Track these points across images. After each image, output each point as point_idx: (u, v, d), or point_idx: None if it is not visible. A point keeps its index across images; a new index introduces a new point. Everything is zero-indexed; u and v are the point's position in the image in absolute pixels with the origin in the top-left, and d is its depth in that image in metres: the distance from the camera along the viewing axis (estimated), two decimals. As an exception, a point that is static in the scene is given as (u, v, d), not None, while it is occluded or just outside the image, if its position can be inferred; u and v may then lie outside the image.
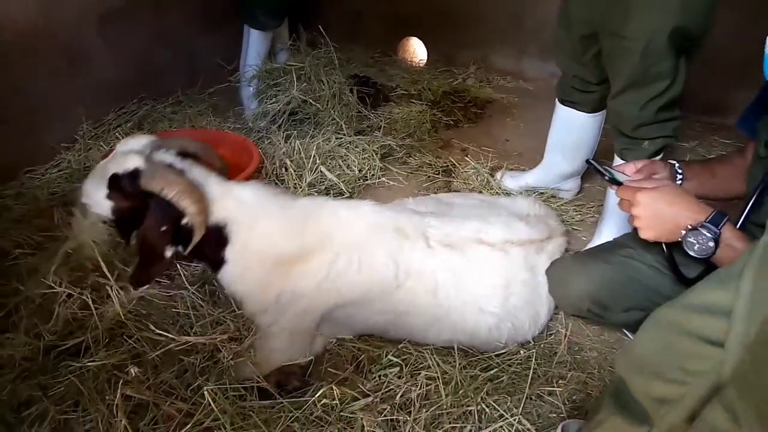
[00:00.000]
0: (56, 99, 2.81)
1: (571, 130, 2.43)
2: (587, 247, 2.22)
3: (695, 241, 1.31)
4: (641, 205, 1.35)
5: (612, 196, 2.21)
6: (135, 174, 1.63)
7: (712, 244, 1.29)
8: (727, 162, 1.64)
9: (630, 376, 0.99)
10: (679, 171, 1.66)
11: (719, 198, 1.67)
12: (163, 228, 1.63)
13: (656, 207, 1.35)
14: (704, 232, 1.30)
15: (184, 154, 1.74)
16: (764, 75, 1.10)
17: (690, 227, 1.32)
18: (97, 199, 1.71)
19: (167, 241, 1.65)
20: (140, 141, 1.72)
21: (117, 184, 1.66)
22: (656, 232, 1.37)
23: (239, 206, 1.73)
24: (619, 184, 1.50)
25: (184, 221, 1.65)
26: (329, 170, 2.70)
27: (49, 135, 2.81)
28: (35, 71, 2.69)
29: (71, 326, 1.75)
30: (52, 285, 1.80)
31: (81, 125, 2.93)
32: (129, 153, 1.67)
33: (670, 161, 1.68)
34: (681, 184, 1.64)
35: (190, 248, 1.66)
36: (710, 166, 1.71)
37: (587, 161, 1.70)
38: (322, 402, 1.60)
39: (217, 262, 1.74)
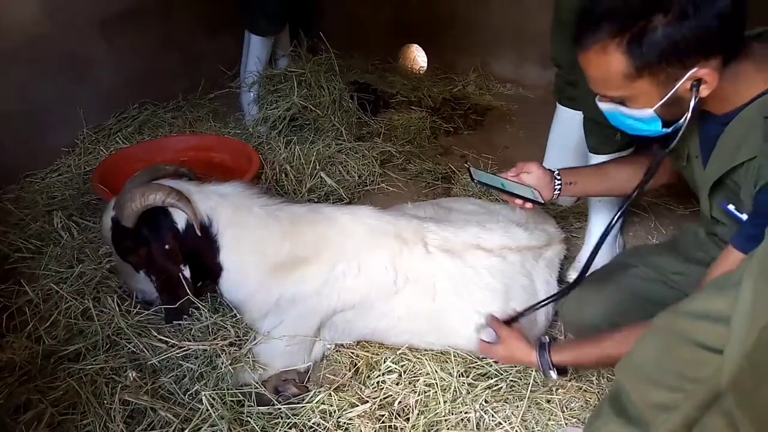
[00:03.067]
0: (57, 103, 2.82)
1: (571, 129, 2.44)
2: (579, 254, 2.23)
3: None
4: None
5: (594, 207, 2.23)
6: (116, 223, 1.70)
7: (552, 373, 1.49)
8: (629, 162, 1.63)
9: (628, 381, 0.99)
10: (558, 177, 1.74)
11: (622, 195, 1.75)
12: (167, 246, 1.68)
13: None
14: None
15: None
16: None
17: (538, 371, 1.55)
18: (138, 283, 1.82)
19: (178, 260, 1.70)
20: (108, 206, 1.79)
21: (120, 247, 1.74)
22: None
23: (221, 200, 1.75)
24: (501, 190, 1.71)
25: (179, 226, 1.69)
26: (329, 176, 2.71)
27: (49, 139, 2.82)
28: (37, 75, 2.70)
29: (72, 331, 1.75)
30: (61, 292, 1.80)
31: (81, 130, 2.94)
32: (103, 218, 1.76)
33: (550, 168, 1.76)
34: (560, 188, 1.74)
35: (198, 228, 1.67)
36: (603, 168, 1.80)
37: (469, 170, 1.76)
38: (320, 408, 1.60)
39: (215, 270, 1.75)
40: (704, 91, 1.19)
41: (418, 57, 4.21)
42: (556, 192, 1.77)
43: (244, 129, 3.20)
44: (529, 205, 1.74)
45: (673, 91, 1.20)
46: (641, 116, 1.29)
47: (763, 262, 0.74)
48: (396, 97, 3.62)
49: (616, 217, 1.50)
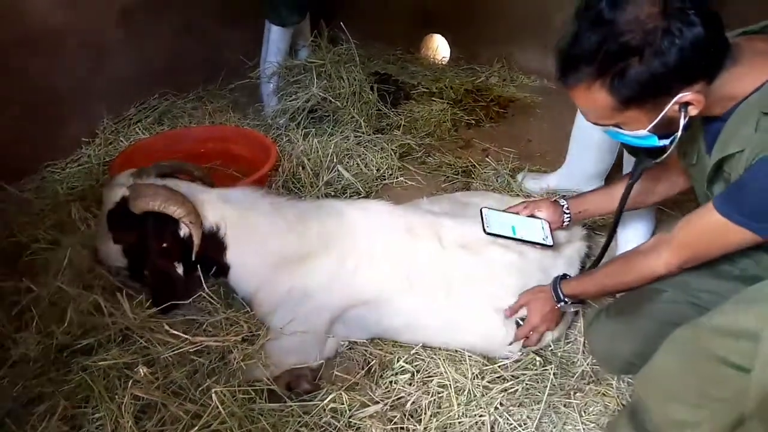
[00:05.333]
0: (78, 93, 2.83)
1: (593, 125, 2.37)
2: (618, 253, 2.17)
3: (568, 310, 1.77)
4: (531, 322, 1.73)
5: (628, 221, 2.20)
6: (123, 202, 1.72)
7: (567, 303, 1.69)
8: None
9: (648, 396, 0.95)
10: (567, 211, 1.90)
11: (632, 209, 1.89)
12: (164, 244, 1.70)
13: (535, 310, 1.73)
14: (560, 306, 1.71)
15: (163, 175, 1.83)
16: None
17: (557, 307, 1.72)
18: (109, 250, 1.82)
19: (173, 258, 1.72)
20: (122, 175, 1.82)
21: (114, 220, 1.77)
22: (552, 322, 1.76)
23: (229, 207, 1.76)
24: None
25: (182, 233, 1.70)
26: (347, 169, 2.68)
27: (70, 129, 2.84)
28: (58, 65, 2.71)
29: (85, 326, 1.75)
30: (65, 288, 1.80)
31: (102, 120, 2.95)
32: (114, 187, 1.77)
33: (558, 200, 1.93)
34: (569, 220, 1.91)
35: (195, 253, 1.68)
36: (611, 189, 1.86)
37: (480, 211, 1.86)
38: (330, 407, 1.57)
39: (223, 268, 1.76)
40: (693, 110, 1.23)
41: (440, 47, 4.14)
42: (565, 224, 1.92)
43: (263, 120, 3.18)
44: (538, 247, 1.85)
45: (661, 115, 1.24)
46: (637, 135, 1.33)
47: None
48: (417, 89, 3.57)
49: (613, 227, 1.74)
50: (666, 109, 1.23)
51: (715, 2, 1.20)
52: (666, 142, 1.33)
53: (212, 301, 1.83)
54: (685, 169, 1.56)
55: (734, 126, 1.25)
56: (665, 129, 1.29)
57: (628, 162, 2.14)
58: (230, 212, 1.75)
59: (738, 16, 1.39)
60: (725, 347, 0.78)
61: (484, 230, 1.80)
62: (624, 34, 1.16)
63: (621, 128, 1.33)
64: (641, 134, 1.32)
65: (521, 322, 1.75)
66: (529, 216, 1.90)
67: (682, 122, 1.25)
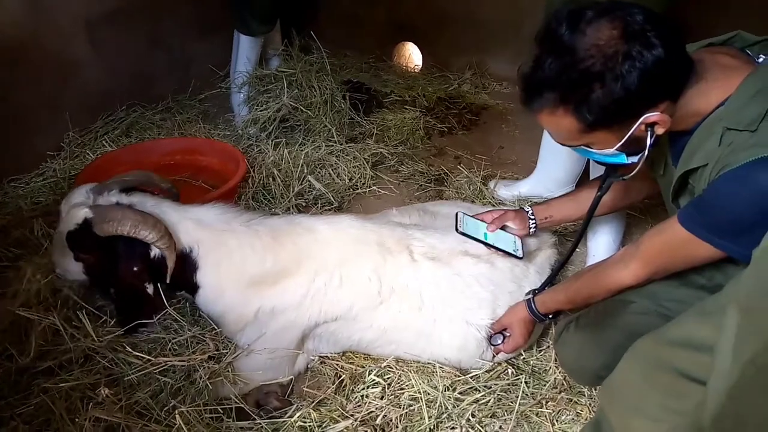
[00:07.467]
0: (43, 105, 2.76)
1: None
2: (588, 264, 2.18)
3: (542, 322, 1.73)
4: (516, 342, 1.71)
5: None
6: (86, 225, 1.62)
7: (548, 319, 1.69)
8: (599, 183, 1.66)
9: (610, 408, 0.94)
10: (532, 217, 1.90)
11: (600, 214, 1.89)
12: (135, 268, 1.63)
13: (521, 333, 1.70)
14: (542, 323, 1.75)
15: (127, 190, 1.72)
16: None
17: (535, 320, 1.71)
18: (68, 266, 1.73)
19: (144, 279, 1.65)
20: (81, 192, 1.71)
21: (75, 241, 1.66)
22: (529, 337, 1.74)
23: (201, 227, 1.69)
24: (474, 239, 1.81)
25: (153, 254, 1.64)
26: (318, 179, 2.65)
27: (34, 143, 2.76)
28: (21, 77, 2.64)
29: (45, 347, 1.69)
30: (22, 314, 1.73)
31: (67, 133, 2.88)
32: (74, 207, 1.66)
33: (523, 207, 1.94)
34: (535, 227, 1.91)
35: (169, 276, 1.61)
36: (575, 195, 1.90)
37: (456, 216, 1.85)
38: (297, 424, 1.55)
39: (192, 288, 1.71)
40: (659, 129, 1.23)
41: (413, 55, 4.14)
42: (532, 230, 1.91)
43: (233, 130, 3.14)
44: (507, 256, 1.85)
45: (628, 135, 1.25)
46: (605, 154, 1.34)
47: (749, 292, 0.68)
48: (390, 97, 3.55)
49: (576, 241, 1.77)
50: (632, 130, 1.24)
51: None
52: (634, 159, 1.34)
53: (178, 318, 1.78)
54: (653, 176, 1.57)
55: (699, 140, 1.25)
56: (633, 146, 1.30)
57: (595, 165, 2.15)
58: (205, 233, 1.68)
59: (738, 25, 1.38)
60: (683, 360, 0.78)
61: (456, 229, 1.78)
62: (584, 60, 1.15)
63: (589, 147, 1.33)
64: (609, 152, 1.32)
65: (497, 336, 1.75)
66: (500, 229, 1.89)
67: (648, 141, 1.26)
